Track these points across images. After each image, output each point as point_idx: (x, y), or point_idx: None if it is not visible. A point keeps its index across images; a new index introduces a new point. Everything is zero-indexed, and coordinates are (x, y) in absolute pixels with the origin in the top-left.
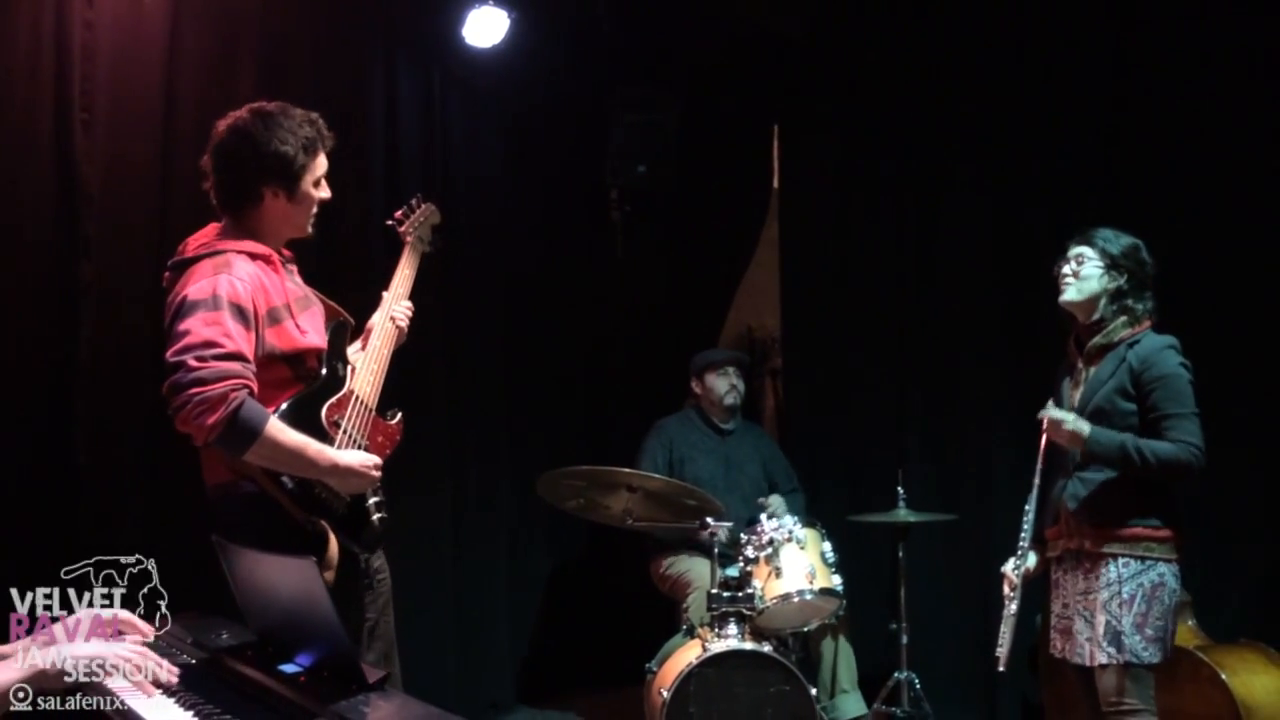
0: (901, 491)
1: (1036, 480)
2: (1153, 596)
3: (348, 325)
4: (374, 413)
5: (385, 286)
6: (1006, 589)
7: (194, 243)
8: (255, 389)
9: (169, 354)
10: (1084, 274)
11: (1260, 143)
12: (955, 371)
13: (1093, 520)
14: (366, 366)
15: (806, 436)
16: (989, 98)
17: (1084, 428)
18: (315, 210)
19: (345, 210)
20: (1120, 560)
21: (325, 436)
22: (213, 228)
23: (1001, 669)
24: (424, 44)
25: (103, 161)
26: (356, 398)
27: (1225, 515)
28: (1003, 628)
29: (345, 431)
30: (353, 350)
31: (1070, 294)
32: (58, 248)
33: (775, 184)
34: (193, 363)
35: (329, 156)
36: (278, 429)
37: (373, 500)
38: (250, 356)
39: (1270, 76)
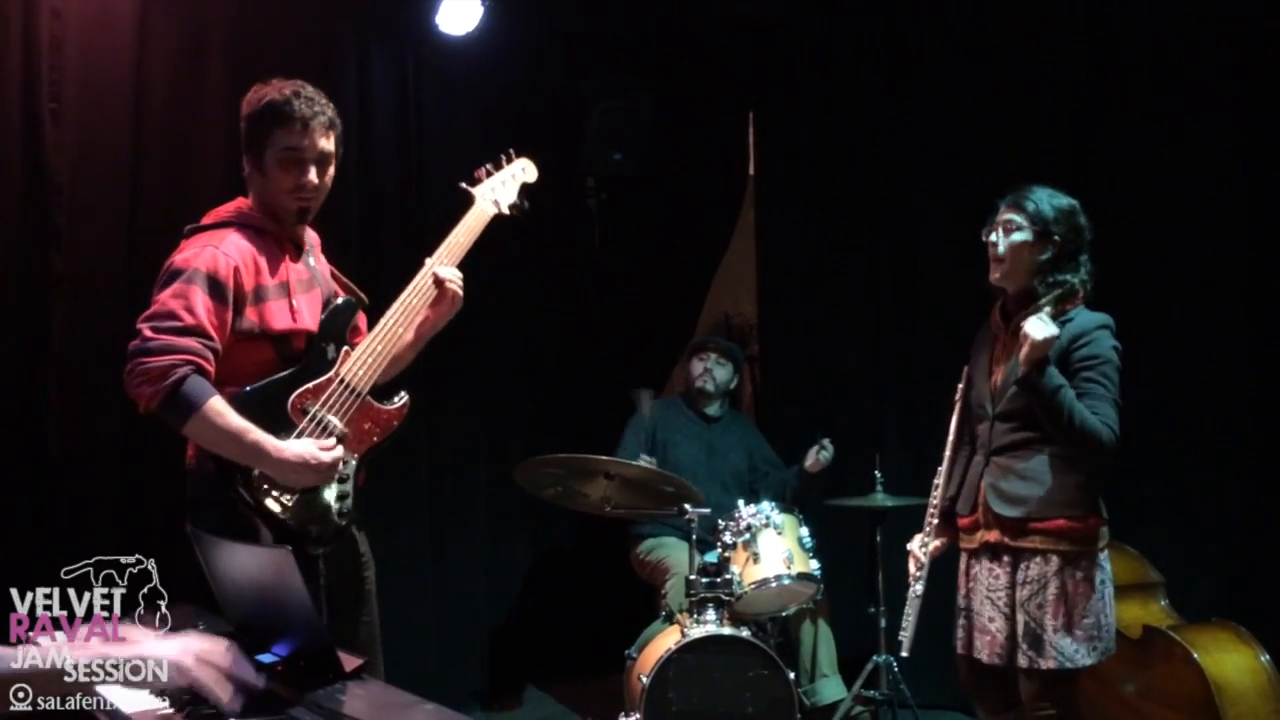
0: (879, 475)
1: (947, 453)
2: (1078, 594)
3: (353, 306)
4: (364, 398)
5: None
6: (913, 568)
7: (213, 211)
8: (209, 366)
9: (137, 321)
10: (1013, 244)
11: (1230, 153)
12: (932, 356)
13: (1014, 512)
14: (368, 348)
15: (783, 422)
16: (964, 82)
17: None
18: (295, 192)
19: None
20: (1041, 556)
21: (288, 424)
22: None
23: (905, 654)
24: (398, 32)
25: (72, 152)
26: (341, 382)
27: (1196, 496)
28: (907, 610)
29: (315, 419)
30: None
31: (999, 273)
32: (28, 239)
33: (751, 171)
34: (148, 332)
35: (312, 134)
36: (217, 411)
37: (334, 493)
38: (214, 333)
39: (1239, 77)
